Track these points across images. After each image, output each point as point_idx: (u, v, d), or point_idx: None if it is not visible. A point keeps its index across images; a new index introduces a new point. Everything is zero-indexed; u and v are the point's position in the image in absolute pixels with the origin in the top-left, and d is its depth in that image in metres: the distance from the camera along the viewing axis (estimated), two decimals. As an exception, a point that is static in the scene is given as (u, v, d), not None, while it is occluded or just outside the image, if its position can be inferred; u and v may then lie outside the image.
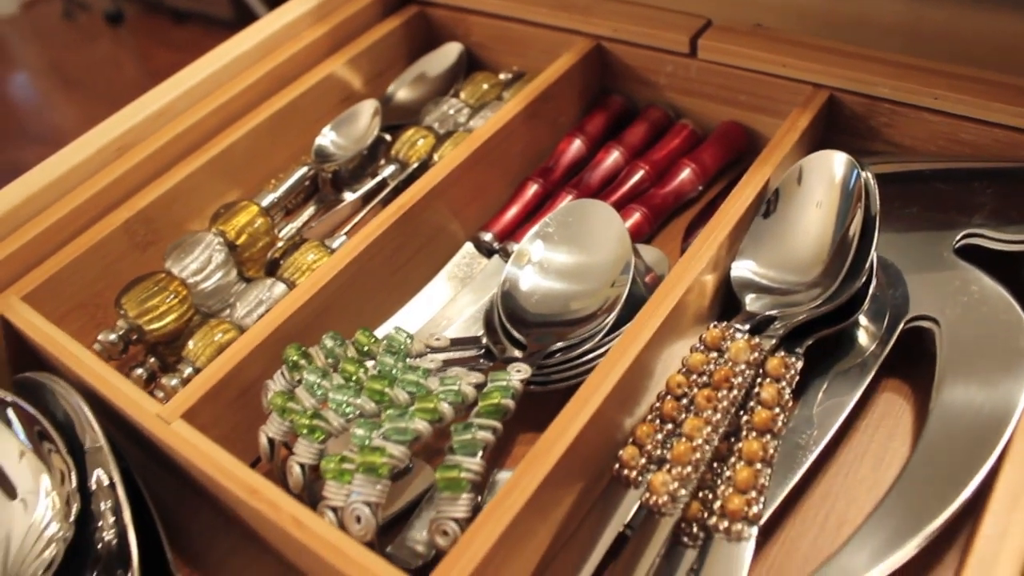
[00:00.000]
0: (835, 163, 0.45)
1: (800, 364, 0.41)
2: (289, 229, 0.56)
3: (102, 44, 2.36)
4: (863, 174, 0.44)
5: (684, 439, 0.39)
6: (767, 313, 0.43)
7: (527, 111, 0.55)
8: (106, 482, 0.42)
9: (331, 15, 0.64)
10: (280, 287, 0.51)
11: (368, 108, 0.59)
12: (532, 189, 0.55)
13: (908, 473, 0.37)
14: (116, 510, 0.41)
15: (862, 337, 0.44)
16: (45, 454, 0.43)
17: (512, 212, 0.55)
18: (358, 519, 0.36)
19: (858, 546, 0.36)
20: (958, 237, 0.45)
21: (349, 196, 0.59)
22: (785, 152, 0.48)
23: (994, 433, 0.37)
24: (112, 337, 0.48)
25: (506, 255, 0.52)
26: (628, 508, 0.39)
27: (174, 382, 0.48)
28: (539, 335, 0.45)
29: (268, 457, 0.41)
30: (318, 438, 0.40)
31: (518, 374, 0.42)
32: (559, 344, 0.44)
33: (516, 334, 0.45)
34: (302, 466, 0.40)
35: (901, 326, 0.43)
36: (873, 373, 0.42)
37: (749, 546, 0.36)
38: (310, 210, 0.58)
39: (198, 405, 0.42)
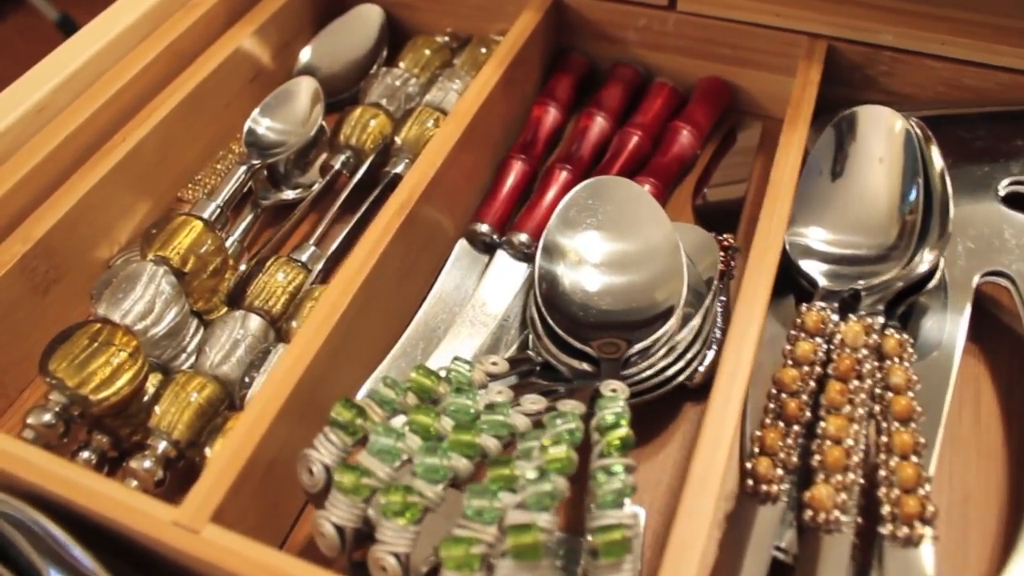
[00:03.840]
0: (886, 119, 0.42)
1: (911, 340, 0.38)
2: (233, 245, 0.45)
3: None
4: (916, 128, 0.41)
5: (829, 442, 0.34)
6: (851, 287, 0.40)
7: (505, 79, 0.48)
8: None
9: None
10: (255, 320, 0.41)
11: (305, 86, 0.49)
12: (517, 167, 0.48)
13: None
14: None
15: (929, 299, 0.42)
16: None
17: (503, 197, 0.47)
18: (512, 614, 0.29)
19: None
20: (1002, 186, 0.43)
21: (290, 194, 0.48)
22: (810, 110, 0.45)
23: None
24: (47, 418, 0.36)
25: (511, 247, 0.45)
26: (770, 526, 0.35)
27: (148, 464, 0.37)
28: (607, 340, 0.39)
29: (340, 550, 0.32)
30: (413, 518, 0.31)
31: (615, 393, 0.35)
32: (638, 346, 0.38)
33: (576, 343, 0.39)
34: (397, 556, 0.31)
35: (975, 283, 0.41)
36: (964, 340, 0.40)
37: (930, 548, 0.33)
38: (248, 217, 0.47)
39: (226, 502, 0.32)
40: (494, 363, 0.38)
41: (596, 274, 0.41)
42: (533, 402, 0.36)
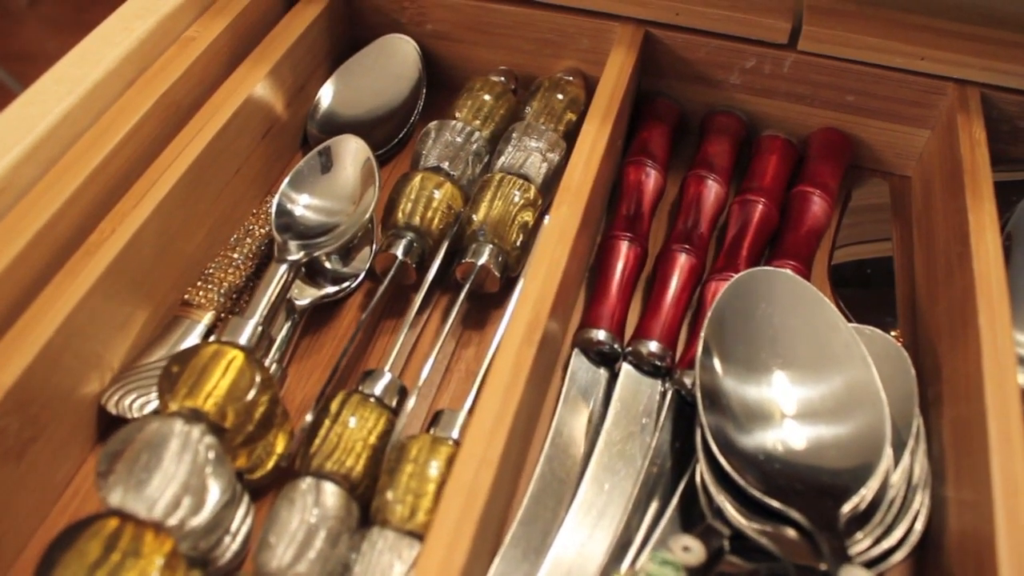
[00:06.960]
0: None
1: None
2: (271, 367, 0.33)
3: None
4: None
5: None
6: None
7: (610, 140, 0.38)
8: None
9: (213, 4, 0.40)
10: (332, 493, 0.29)
11: (353, 149, 0.37)
12: (625, 250, 0.38)
13: None
14: None
15: None
16: None
17: (615, 290, 0.37)
18: None
19: None
20: None
21: (331, 289, 0.37)
22: (989, 177, 0.37)
23: None
24: None
25: (639, 359, 0.35)
26: None
27: None
28: (809, 504, 0.29)
29: None
30: None
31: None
32: (849, 505, 0.29)
33: (781, 506, 0.29)
34: None
35: None
36: None
37: None
38: (284, 327, 0.35)
39: None
40: (686, 548, 0.28)
41: (783, 423, 0.32)
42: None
